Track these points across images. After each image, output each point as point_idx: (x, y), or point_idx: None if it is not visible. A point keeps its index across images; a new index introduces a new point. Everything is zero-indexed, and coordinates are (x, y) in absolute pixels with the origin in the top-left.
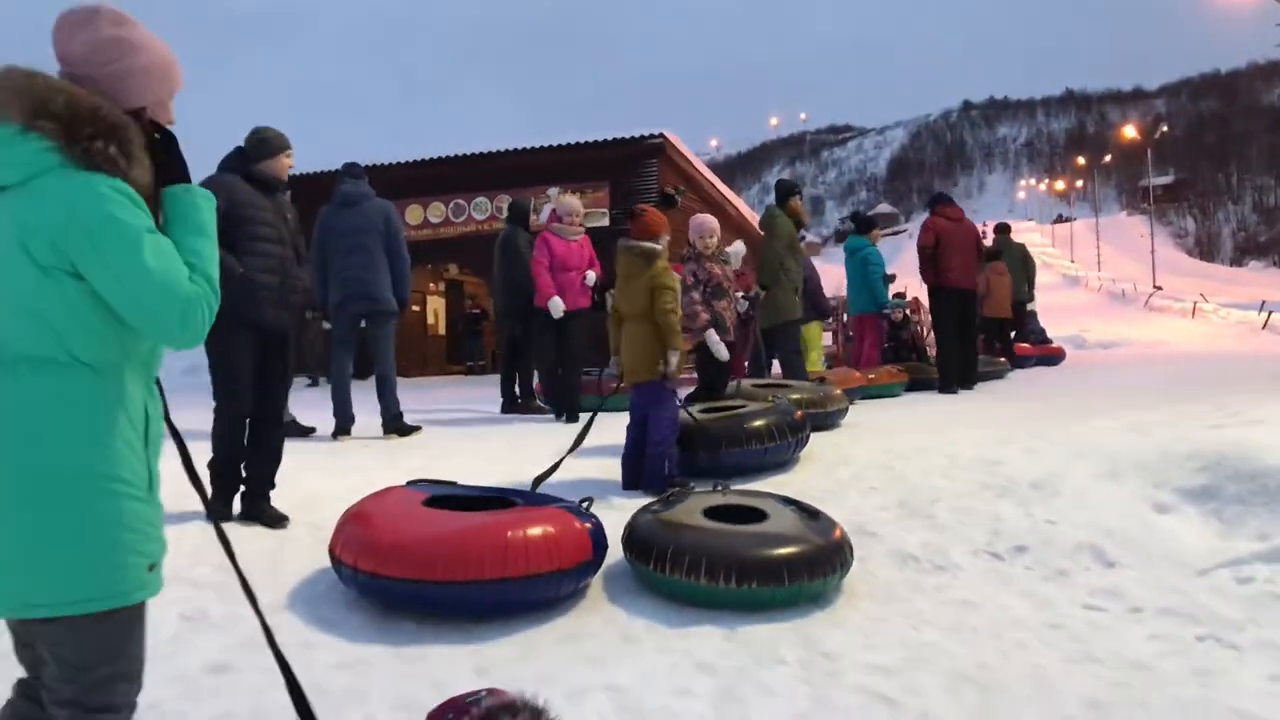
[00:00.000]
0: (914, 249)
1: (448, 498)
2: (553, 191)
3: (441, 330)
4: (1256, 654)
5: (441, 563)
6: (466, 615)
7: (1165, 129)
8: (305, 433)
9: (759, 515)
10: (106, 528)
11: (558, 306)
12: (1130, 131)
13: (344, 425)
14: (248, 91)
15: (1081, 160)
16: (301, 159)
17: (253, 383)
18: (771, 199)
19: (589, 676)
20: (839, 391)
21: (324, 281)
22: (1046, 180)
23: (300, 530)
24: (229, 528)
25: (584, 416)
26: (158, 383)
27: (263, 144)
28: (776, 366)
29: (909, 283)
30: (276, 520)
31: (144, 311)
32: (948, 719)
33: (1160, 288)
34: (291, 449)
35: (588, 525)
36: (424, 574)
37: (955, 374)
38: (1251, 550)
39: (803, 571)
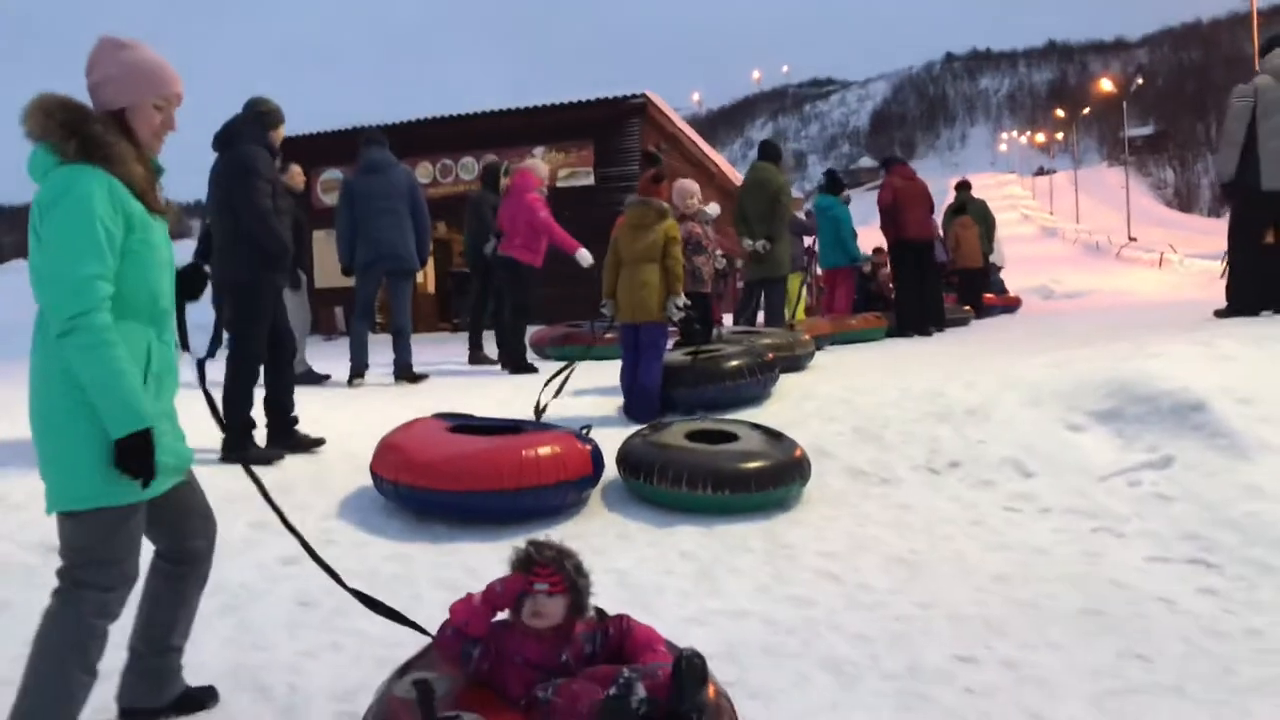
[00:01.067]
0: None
1: (469, 426)
2: (538, 151)
3: (431, 289)
4: (1137, 540)
5: (469, 476)
6: (490, 519)
7: (1141, 81)
8: (319, 380)
9: (732, 438)
10: (74, 450)
11: (586, 257)
12: (1107, 84)
13: (359, 371)
14: (226, 52)
15: (1061, 112)
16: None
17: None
18: (754, 155)
19: (593, 563)
20: (807, 337)
21: (351, 242)
22: (1028, 132)
23: (336, 458)
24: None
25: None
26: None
27: (272, 115)
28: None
29: (877, 238)
30: (313, 443)
31: (41, 277)
32: (881, 588)
33: (1135, 239)
34: (315, 394)
35: (588, 446)
36: (455, 485)
37: (913, 319)
38: (1142, 460)
39: (767, 481)
